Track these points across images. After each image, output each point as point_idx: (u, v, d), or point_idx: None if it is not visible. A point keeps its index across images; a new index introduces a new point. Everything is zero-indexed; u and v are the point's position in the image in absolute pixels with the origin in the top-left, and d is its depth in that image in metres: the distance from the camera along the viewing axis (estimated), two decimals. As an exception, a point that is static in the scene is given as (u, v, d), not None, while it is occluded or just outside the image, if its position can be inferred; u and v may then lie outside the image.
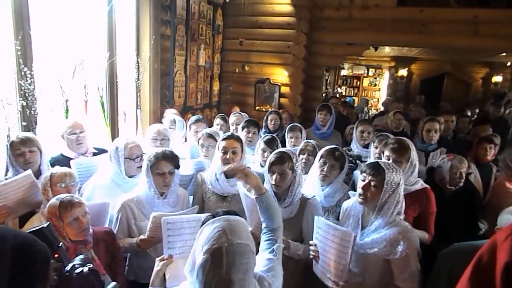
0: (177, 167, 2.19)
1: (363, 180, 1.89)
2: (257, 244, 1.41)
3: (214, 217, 1.27)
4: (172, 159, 2.16)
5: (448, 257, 1.85)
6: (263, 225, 1.65)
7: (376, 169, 1.86)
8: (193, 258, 1.22)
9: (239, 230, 1.20)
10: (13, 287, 0.79)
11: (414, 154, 2.40)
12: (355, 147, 3.41)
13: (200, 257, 1.16)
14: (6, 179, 2.21)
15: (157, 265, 1.67)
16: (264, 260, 1.46)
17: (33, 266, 0.84)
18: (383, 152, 2.53)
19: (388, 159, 2.39)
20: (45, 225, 1.17)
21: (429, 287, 1.90)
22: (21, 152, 2.31)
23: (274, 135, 3.29)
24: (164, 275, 1.68)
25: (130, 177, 2.39)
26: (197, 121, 3.52)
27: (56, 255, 1.15)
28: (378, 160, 1.93)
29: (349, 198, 2.35)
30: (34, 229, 1.16)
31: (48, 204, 1.83)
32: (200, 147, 2.90)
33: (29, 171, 2.19)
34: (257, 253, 1.43)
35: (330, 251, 1.82)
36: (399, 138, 2.54)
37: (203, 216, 1.85)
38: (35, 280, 0.84)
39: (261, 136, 3.23)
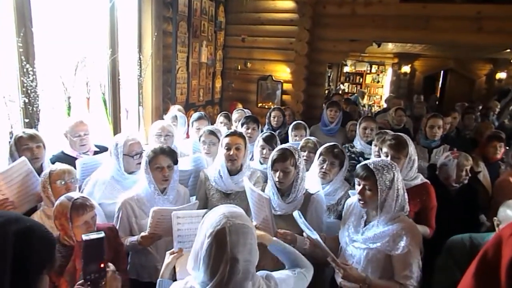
0: (175, 162, 2.19)
1: (359, 185, 1.90)
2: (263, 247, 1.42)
3: None
4: (170, 154, 2.16)
5: (451, 247, 1.84)
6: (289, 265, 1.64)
7: (367, 172, 1.85)
8: (195, 252, 1.23)
9: (240, 214, 1.24)
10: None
11: (412, 149, 2.40)
12: (358, 144, 3.40)
13: (204, 244, 1.17)
14: None
15: (167, 258, 1.69)
16: (283, 273, 1.48)
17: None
18: (381, 149, 2.53)
19: (387, 156, 2.40)
20: (102, 235, 1.20)
21: (440, 277, 1.88)
22: (29, 147, 2.32)
23: (275, 132, 3.29)
24: (174, 268, 1.69)
25: (129, 173, 2.40)
26: (199, 118, 3.51)
27: (102, 265, 1.19)
28: (367, 162, 1.92)
29: (349, 197, 2.35)
30: (95, 237, 1.17)
31: (59, 202, 1.78)
32: (201, 144, 2.90)
33: (23, 158, 2.19)
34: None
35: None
36: (396, 134, 2.54)
37: None
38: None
39: (262, 131, 3.22)
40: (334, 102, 4.33)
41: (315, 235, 1.76)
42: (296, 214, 1.90)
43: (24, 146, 2.32)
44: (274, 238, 1.73)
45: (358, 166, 1.96)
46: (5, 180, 2.09)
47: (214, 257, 1.15)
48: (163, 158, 2.12)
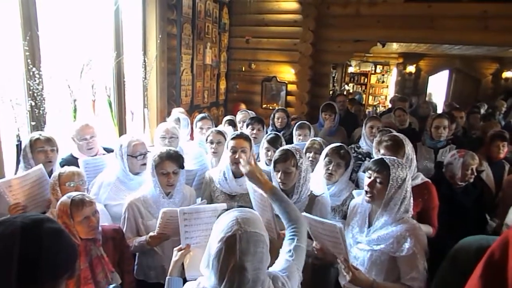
0: (182, 167, 2.18)
1: (369, 177, 1.88)
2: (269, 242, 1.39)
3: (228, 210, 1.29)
4: (177, 159, 2.15)
5: (458, 251, 1.81)
6: (284, 223, 1.63)
7: (381, 166, 1.84)
8: (208, 252, 1.23)
9: (253, 220, 1.22)
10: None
11: (409, 148, 2.38)
12: (364, 144, 3.38)
13: (214, 248, 1.17)
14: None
15: (175, 255, 1.68)
16: (282, 261, 1.45)
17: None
18: (379, 150, 2.51)
19: None
20: None
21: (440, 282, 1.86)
22: (44, 149, 2.35)
23: (279, 133, 3.28)
24: (182, 264, 1.69)
25: (134, 174, 2.40)
26: (202, 118, 3.52)
27: None
28: (383, 157, 1.91)
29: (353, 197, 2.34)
30: None
31: (59, 202, 1.82)
32: (209, 144, 2.90)
33: (40, 166, 2.22)
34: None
35: (327, 243, 1.83)
36: (393, 135, 2.53)
37: (218, 206, 1.86)
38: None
39: (266, 133, 3.23)
40: (328, 104, 4.15)
41: (339, 224, 1.75)
42: (304, 214, 1.89)
43: (40, 148, 2.35)
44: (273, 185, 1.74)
45: (372, 160, 1.95)
46: (20, 184, 2.11)
47: (222, 263, 1.15)
48: (169, 164, 2.11)
